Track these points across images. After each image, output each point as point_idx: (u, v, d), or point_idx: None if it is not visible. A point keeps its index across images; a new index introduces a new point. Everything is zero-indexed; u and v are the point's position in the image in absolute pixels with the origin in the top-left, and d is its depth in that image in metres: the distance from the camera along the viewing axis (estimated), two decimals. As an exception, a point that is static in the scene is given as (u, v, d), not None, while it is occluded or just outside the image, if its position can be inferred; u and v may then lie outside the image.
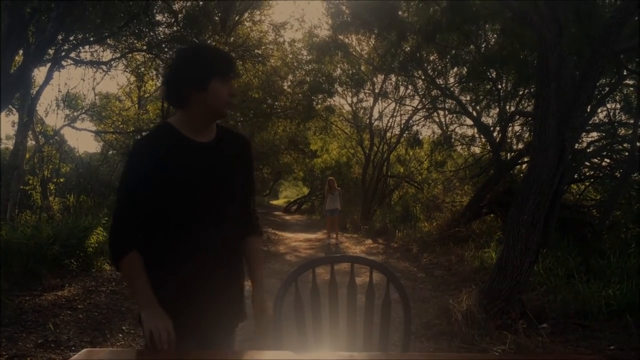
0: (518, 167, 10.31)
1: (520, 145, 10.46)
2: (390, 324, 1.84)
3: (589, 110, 6.24)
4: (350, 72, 15.04)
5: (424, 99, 13.67)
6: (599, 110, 8.73)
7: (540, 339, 3.97)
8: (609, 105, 9.16)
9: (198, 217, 1.58)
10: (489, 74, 10.18)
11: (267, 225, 15.49)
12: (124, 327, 4.39)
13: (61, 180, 10.44)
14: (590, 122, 7.92)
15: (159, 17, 11.10)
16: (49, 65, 9.32)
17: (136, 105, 15.45)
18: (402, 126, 14.97)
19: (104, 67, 11.47)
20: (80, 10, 8.25)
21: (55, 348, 3.77)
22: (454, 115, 13.37)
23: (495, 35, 10.59)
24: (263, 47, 13.95)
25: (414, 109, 14.53)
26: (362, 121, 17.02)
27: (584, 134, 8.69)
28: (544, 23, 4.46)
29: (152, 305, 1.51)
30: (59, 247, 6.05)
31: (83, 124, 15.45)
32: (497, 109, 10.81)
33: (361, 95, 16.33)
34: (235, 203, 1.69)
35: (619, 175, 7.52)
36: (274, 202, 35.00)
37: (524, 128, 10.52)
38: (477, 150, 13.02)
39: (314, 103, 15.53)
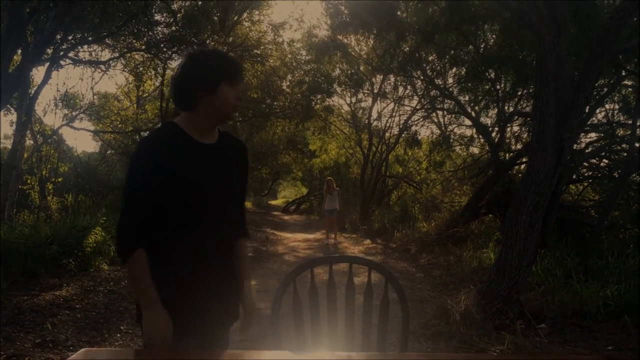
0: (516, 167, 10.31)
1: (519, 146, 10.47)
2: (389, 324, 1.84)
3: (587, 110, 6.27)
4: (349, 72, 15.04)
5: (422, 99, 13.67)
6: (598, 111, 8.75)
7: (538, 339, 3.97)
8: (607, 106, 9.18)
9: (200, 216, 1.61)
10: (487, 74, 10.18)
11: (265, 226, 15.49)
12: (122, 327, 4.38)
13: (59, 179, 10.43)
14: (588, 122, 7.94)
15: (157, 17, 11.08)
16: (47, 64, 9.32)
17: (135, 105, 15.43)
18: (400, 126, 15.00)
19: (103, 67, 11.48)
20: (79, 10, 8.23)
21: (53, 348, 3.76)
22: (453, 115, 13.39)
23: (494, 36, 10.59)
24: (262, 47, 13.93)
25: (412, 109, 14.54)
26: (361, 121, 17.03)
27: (583, 134, 8.71)
28: (542, 23, 4.46)
29: (154, 305, 1.52)
30: (57, 247, 6.05)
31: (81, 124, 15.46)
32: (496, 110, 10.81)
33: (360, 96, 16.34)
34: (235, 204, 1.75)
35: (617, 176, 7.53)
36: (273, 202, 35.03)
37: (523, 128, 10.53)
38: (475, 150, 13.02)
39: (313, 103, 15.53)
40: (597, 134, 9.25)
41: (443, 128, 14.73)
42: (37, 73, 15.19)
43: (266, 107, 15.83)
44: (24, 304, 4.74)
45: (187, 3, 11.38)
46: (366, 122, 16.43)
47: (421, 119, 14.55)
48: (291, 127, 18.15)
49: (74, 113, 13.01)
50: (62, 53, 9.83)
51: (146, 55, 11.62)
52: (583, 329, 4.35)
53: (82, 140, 50.59)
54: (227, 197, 1.68)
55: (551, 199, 4.56)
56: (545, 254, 5.98)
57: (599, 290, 4.95)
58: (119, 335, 4.20)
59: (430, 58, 11.88)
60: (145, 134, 12.86)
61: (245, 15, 14.45)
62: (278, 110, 16.03)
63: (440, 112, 14.52)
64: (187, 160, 1.58)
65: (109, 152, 15.10)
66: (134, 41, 10.83)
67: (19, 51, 7.94)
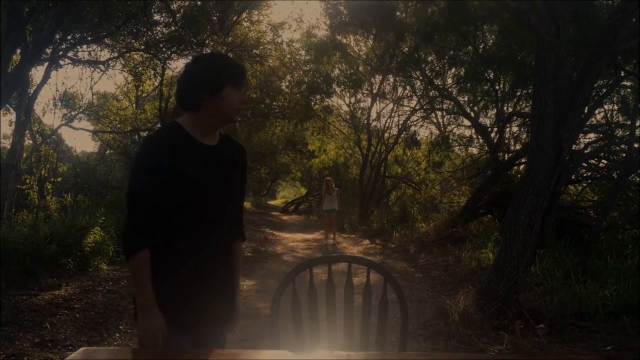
0: (515, 168, 10.32)
1: (518, 146, 10.48)
2: (388, 324, 1.84)
3: (586, 111, 6.27)
4: (348, 72, 15.04)
5: (421, 100, 13.68)
6: (597, 112, 8.76)
7: (537, 339, 3.98)
8: (606, 107, 9.18)
9: (201, 216, 1.62)
10: (486, 74, 10.19)
11: (264, 226, 15.49)
12: (120, 327, 4.39)
13: (58, 179, 10.41)
14: (587, 123, 7.95)
15: (156, 17, 11.06)
16: (46, 64, 9.29)
17: (134, 105, 15.40)
18: (399, 127, 15.01)
19: (102, 67, 11.44)
20: (78, 10, 8.22)
21: (52, 347, 3.76)
22: (452, 115, 13.38)
23: (493, 36, 10.60)
24: (261, 47, 13.91)
25: (411, 109, 14.56)
26: (360, 121, 17.04)
27: (581, 135, 8.72)
28: (541, 24, 4.47)
29: (150, 306, 1.54)
30: (56, 247, 6.05)
31: (80, 124, 15.37)
32: (495, 110, 10.80)
33: (359, 96, 16.38)
34: (234, 205, 1.77)
35: (616, 177, 7.53)
36: (272, 203, 35.01)
37: (522, 129, 10.55)
38: (474, 151, 13.02)
39: (312, 103, 15.51)
40: (596, 135, 9.26)
41: (442, 128, 14.74)
42: (36, 73, 15.24)
43: (265, 107, 15.81)
44: (23, 304, 4.73)
45: (186, 3, 11.38)
46: (365, 123, 16.43)
47: (420, 119, 14.59)
48: (290, 127, 18.13)
49: (73, 113, 12.97)
50: (61, 53, 9.81)
51: (145, 55, 11.59)
52: (582, 329, 4.35)
53: (81, 140, 50.63)
54: (227, 197, 1.70)
55: (550, 200, 4.57)
56: (544, 255, 5.99)
57: (597, 290, 4.96)
58: (117, 334, 4.20)
59: (429, 58, 11.89)
60: (145, 134, 12.86)
61: (244, 15, 14.43)
62: (277, 111, 16.00)
63: (439, 113, 14.53)
64: (188, 161, 1.60)
65: (108, 152, 15.06)
66: (133, 41, 10.82)
67: (18, 51, 7.93)
